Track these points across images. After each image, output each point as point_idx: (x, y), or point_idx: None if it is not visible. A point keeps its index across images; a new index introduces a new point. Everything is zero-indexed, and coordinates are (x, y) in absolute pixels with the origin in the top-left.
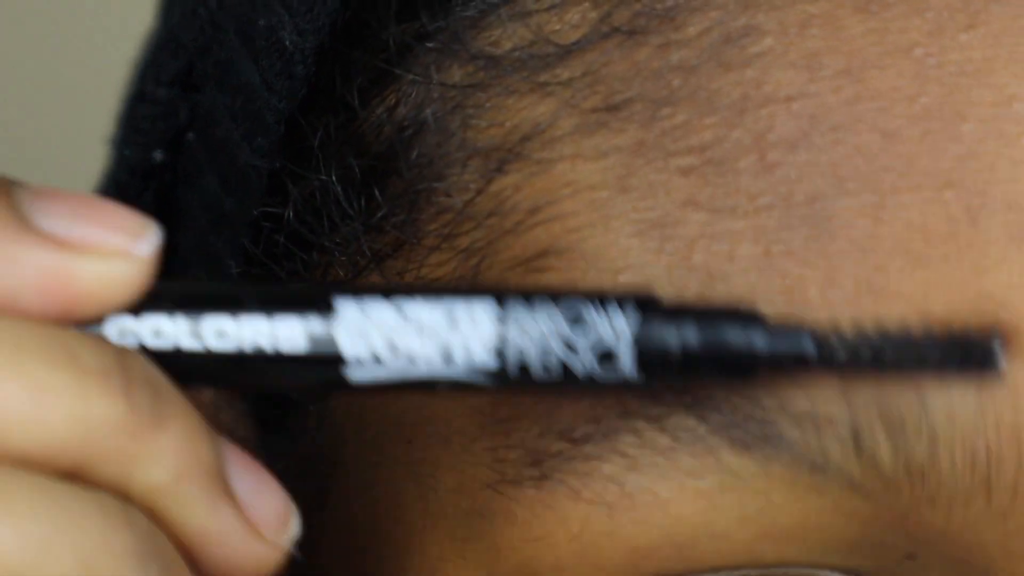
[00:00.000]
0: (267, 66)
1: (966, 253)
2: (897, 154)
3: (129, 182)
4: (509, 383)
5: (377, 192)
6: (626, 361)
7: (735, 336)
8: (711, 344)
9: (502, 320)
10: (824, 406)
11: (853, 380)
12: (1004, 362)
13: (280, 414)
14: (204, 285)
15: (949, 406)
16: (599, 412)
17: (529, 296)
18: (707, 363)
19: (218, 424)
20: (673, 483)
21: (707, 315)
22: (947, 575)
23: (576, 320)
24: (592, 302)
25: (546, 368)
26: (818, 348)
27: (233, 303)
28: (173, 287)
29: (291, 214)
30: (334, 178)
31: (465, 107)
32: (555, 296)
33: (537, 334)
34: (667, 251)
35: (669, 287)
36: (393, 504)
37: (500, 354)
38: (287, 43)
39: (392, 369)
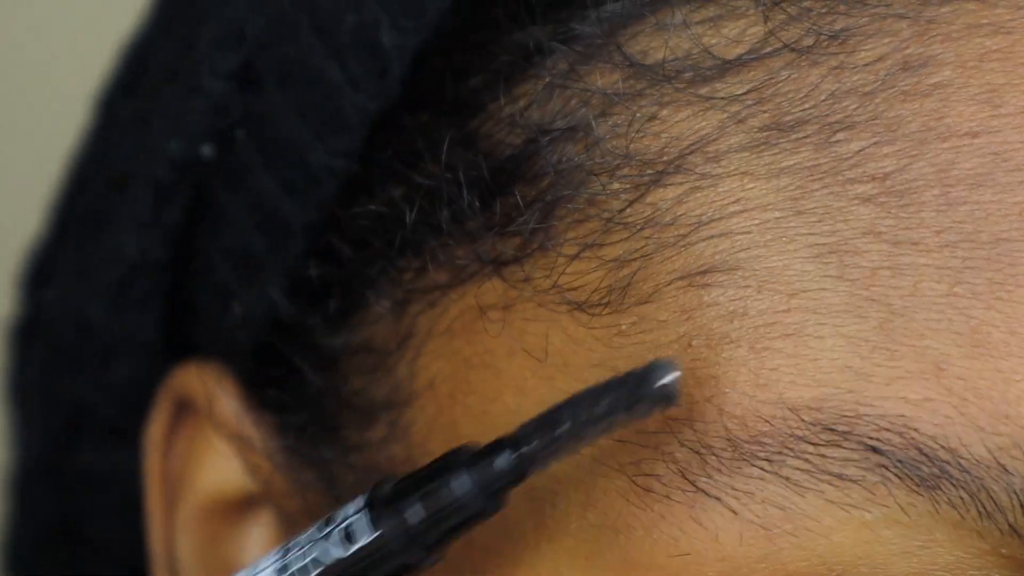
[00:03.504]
0: (354, 63)
1: None
2: None
3: (167, 177)
4: None
5: (510, 196)
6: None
7: (446, 495)
8: (433, 514)
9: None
10: (998, 457)
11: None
12: (676, 388)
13: (330, 423)
14: None
15: None
16: (765, 435)
17: None
18: (440, 523)
19: (242, 439)
20: (839, 512)
21: (422, 480)
22: None
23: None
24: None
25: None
26: (517, 458)
27: None
28: None
29: (405, 214)
30: (460, 176)
31: (615, 114)
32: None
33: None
34: (847, 279)
35: (847, 316)
36: (497, 518)
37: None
38: (383, 40)
39: None
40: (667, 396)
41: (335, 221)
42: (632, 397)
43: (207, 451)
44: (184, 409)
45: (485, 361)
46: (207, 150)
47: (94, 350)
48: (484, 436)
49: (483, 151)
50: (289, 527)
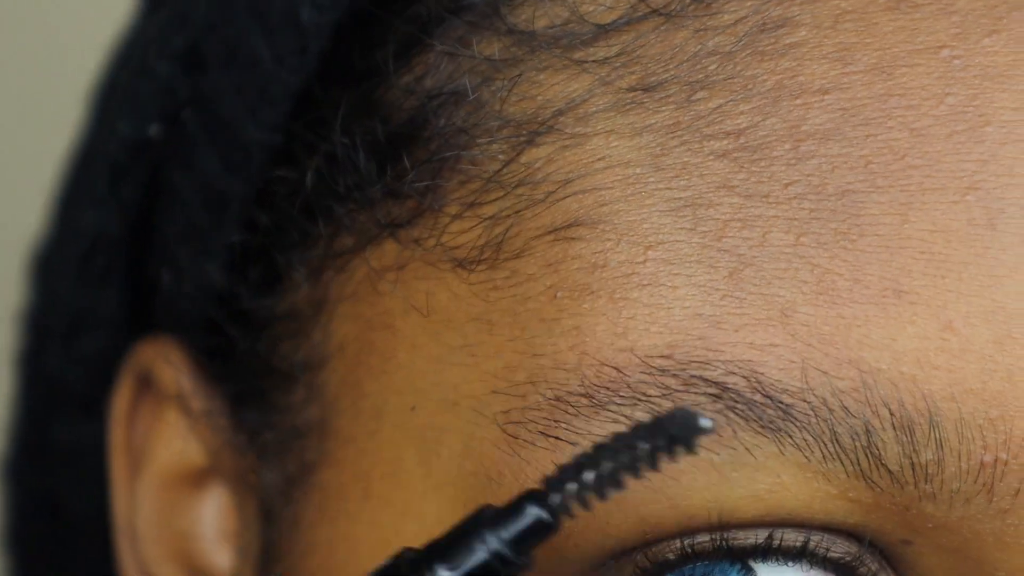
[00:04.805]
0: (280, 42)
1: (983, 259)
2: (924, 152)
3: (120, 155)
4: None
5: (402, 158)
6: None
7: (479, 554)
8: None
9: None
10: (843, 400)
11: None
12: (706, 424)
13: (259, 388)
14: None
15: (958, 419)
16: (618, 381)
17: None
18: None
19: (191, 410)
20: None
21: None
22: (940, 560)
23: None
24: None
25: None
26: (548, 509)
27: None
28: None
29: (306, 180)
30: (357, 142)
31: (497, 79)
32: None
33: None
34: (699, 231)
35: (699, 266)
36: (391, 470)
37: None
38: (303, 18)
39: None
40: (689, 441)
41: (259, 192)
42: (658, 444)
43: (165, 425)
44: (145, 383)
45: (384, 321)
46: (154, 130)
47: (62, 324)
48: (383, 391)
49: (380, 118)
50: (239, 500)
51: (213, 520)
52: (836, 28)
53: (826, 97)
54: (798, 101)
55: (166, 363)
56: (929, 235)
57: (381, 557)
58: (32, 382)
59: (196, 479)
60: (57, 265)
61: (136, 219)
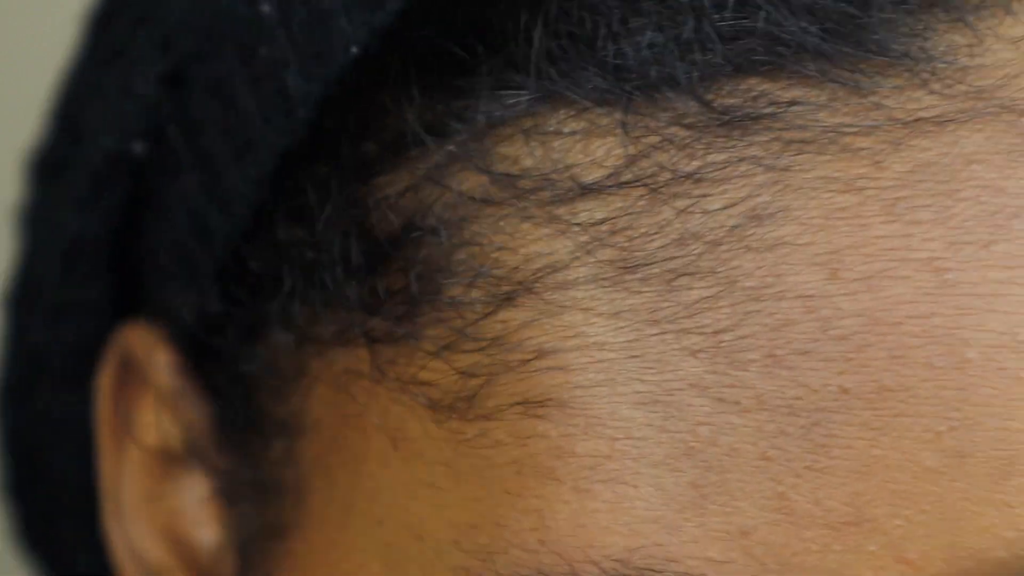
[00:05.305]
0: (265, 96)
1: (948, 495)
2: (902, 376)
3: (103, 167)
4: None
5: (377, 283)
6: None
7: None
8: None
9: None
10: None
11: None
12: None
13: (242, 432)
14: None
15: None
16: None
17: None
18: None
19: (172, 409)
20: None
21: None
22: None
23: None
24: None
25: None
26: None
27: None
28: None
29: (285, 271)
30: (335, 251)
31: (476, 221)
32: None
33: None
34: (669, 430)
35: (664, 469)
36: (357, 572)
37: None
38: (289, 85)
39: None
40: None
41: (239, 251)
42: None
43: (147, 406)
44: (129, 366)
45: (358, 424)
46: (139, 146)
47: (46, 306)
48: (353, 491)
49: (362, 229)
50: (218, 486)
51: (194, 500)
52: (828, 227)
53: (808, 304)
54: (781, 304)
55: (149, 356)
56: (897, 465)
57: None
58: (16, 347)
59: (179, 462)
60: (39, 250)
61: (120, 223)
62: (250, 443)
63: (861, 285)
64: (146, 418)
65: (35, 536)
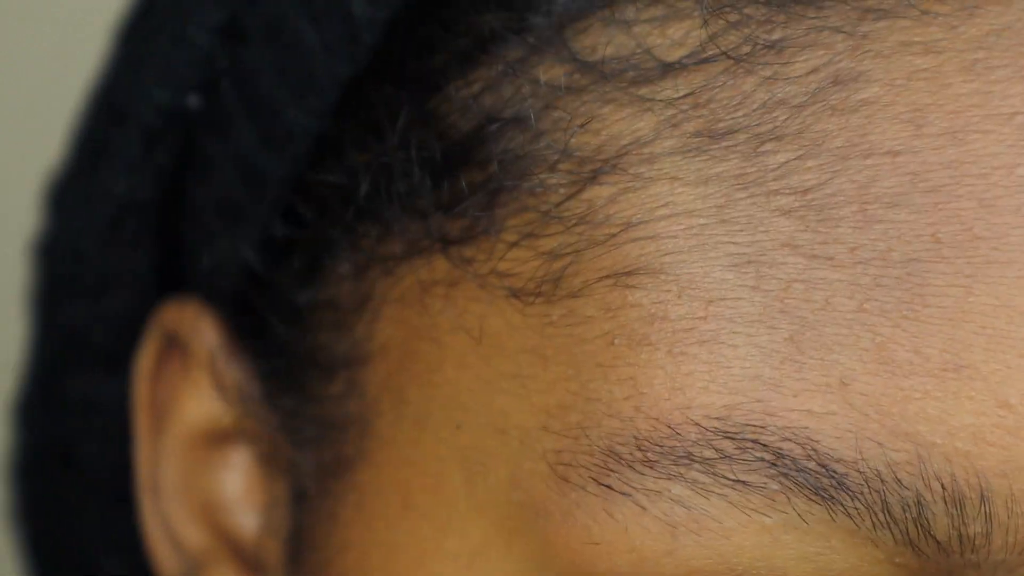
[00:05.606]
0: (328, 28)
1: None
2: (992, 224)
3: (156, 122)
4: None
5: (458, 179)
6: None
7: None
8: None
9: None
10: (896, 472)
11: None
12: None
13: (295, 374)
14: None
15: (1009, 495)
16: (674, 439)
17: None
18: None
19: (221, 379)
20: (740, 516)
21: None
22: None
23: None
24: None
25: None
26: None
27: None
28: None
29: (358, 184)
30: (412, 155)
31: (558, 108)
32: None
33: None
34: (762, 289)
35: (760, 326)
36: (434, 483)
37: None
38: (355, 9)
39: None
40: None
41: (303, 181)
42: None
43: (191, 384)
44: (172, 342)
45: (431, 335)
46: (193, 100)
47: (88, 281)
48: (428, 403)
49: (437, 132)
50: (267, 473)
51: (238, 482)
52: (909, 87)
53: (896, 160)
54: (868, 162)
55: (194, 328)
56: (992, 310)
57: (419, 568)
58: (48, 330)
59: (221, 440)
60: (82, 221)
61: (169, 185)
62: (308, 385)
63: (947, 139)
64: (188, 398)
65: (51, 540)
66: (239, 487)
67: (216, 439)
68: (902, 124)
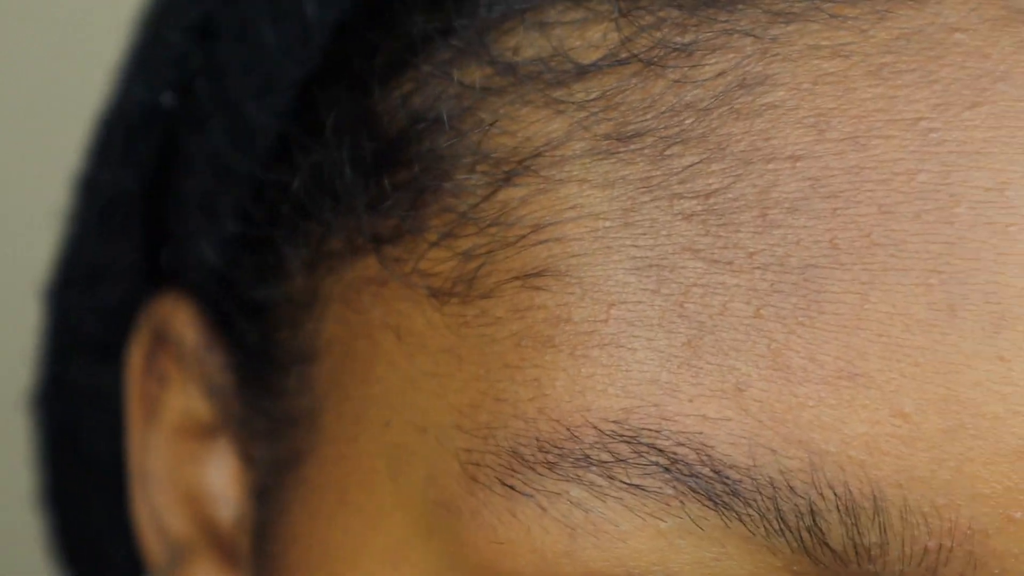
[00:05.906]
0: (285, 29)
1: (940, 346)
2: (891, 231)
3: (135, 119)
4: None
5: (384, 178)
6: None
7: None
8: None
9: None
10: (789, 479)
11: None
12: None
13: (257, 368)
14: None
15: (903, 506)
16: (573, 441)
17: None
18: None
19: (202, 371)
20: (636, 519)
21: None
22: None
23: None
24: None
25: None
26: None
27: None
28: None
29: (297, 183)
30: (344, 155)
31: (479, 110)
32: None
33: None
34: (662, 293)
35: (660, 330)
36: (366, 480)
37: None
38: (307, 11)
39: None
40: None
41: (257, 181)
42: None
43: (179, 377)
44: (161, 336)
45: (366, 332)
46: (167, 98)
47: (83, 272)
48: (364, 400)
49: (368, 133)
50: (241, 467)
51: (221, 475)
52: (815, 91)
53: (797, 165)
54: (770, 166)
55: (179, 321)
56: (888, 318)
57: (352, 564)
58: (54, 321)
59: (206, 433)
60: (81, 214)
61: (153, 178)
62: (268, 380)
63: (849, 144)
64: (176, 391)
65: (69, 527)
66: (222, 479)
67: (201, 432)
68: (805, 128)
